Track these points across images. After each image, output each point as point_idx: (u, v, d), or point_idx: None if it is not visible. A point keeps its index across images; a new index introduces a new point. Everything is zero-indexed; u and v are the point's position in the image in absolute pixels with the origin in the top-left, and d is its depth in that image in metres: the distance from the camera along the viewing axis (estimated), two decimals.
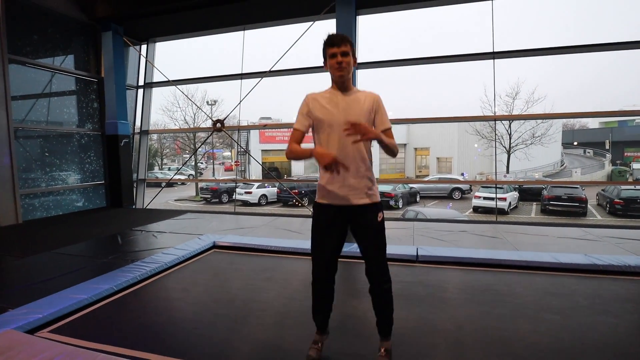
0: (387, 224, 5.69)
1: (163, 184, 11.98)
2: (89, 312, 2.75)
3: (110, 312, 2.78)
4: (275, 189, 17.55)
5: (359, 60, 6.85)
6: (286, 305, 2.89)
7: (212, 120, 7.97)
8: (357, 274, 3.67)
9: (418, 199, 17.97)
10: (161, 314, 2.76)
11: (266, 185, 17.71)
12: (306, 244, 4.29)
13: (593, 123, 41.22)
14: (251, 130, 25.99)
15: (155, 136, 25.84)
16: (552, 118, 20.03)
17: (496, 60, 6.95)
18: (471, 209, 15.80)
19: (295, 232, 5.16)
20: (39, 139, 7.22)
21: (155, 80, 8.87)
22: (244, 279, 3.47)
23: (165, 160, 30.53)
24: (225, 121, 8.14)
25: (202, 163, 32.12)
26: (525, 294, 2.99)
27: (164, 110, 21.96)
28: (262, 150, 26.78)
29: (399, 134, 29.09)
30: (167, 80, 8.41)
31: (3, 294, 3.01)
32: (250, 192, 17.10)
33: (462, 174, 24.10)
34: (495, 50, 6.81)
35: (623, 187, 14.41)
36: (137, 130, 8.91)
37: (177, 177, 20.54)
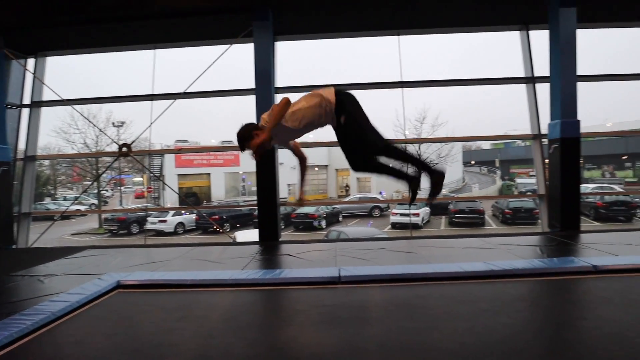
0: (311, 246, 5.61)
1: (56, 217, 10.39)
2: None
3: None
4: (193, 216, 16.51)
5: (277, 85, 7.02)
6: (203, 345, 2.63)
7: (118, 144, 7.23)
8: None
9: (340, 218, 18.53)
10: None
11: (183, 212, 16.56)
12: (226, 274, 4.05)
13: (485, 145, 47.94)
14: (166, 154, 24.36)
15: (47, 161, 22.57)
16: (453, 141, 22.72)
17: (404, 89, 7.67)
18: (390, 225, 16.80)
19: (214, 263, 4.83)
20: None
21: (45, 98, 7.78)
22: (154, 321, 3.09)
23: (60, 189, 26.65)
24: (134, 144, 7.46)
25: (107, 190, 28.86)
26: (438, 305, 3.19)
27: (58, 133, 19.20)
28: (178, 175, 25.19)
29: (321, 156, 30.05)
30: (60, 99, 7.44)
31: None
32: (165, 221, 15.79)
33: (380, 193, 25.62)
34: (403, 80, 7.51)
35: (511, 199, 16.79)
36: (20, 155, 7.63)
37: (74, 207, 18.05)
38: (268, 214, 6.53)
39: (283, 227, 16.77)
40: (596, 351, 2.36)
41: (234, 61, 8.43)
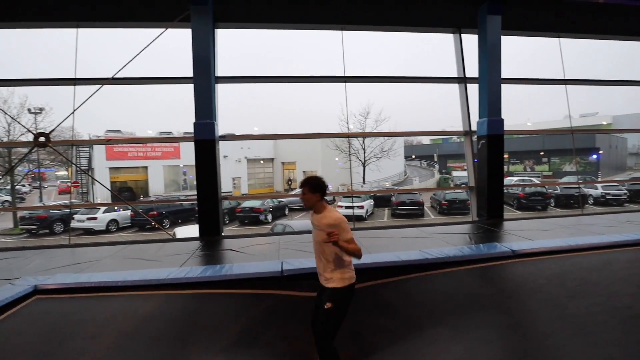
0: (255, 240, 5.42)
1: None
2: None
3: None
4: (129, 212, 15.36)
5: (220, 74, 6.74)
6: (124, 348, 2.46)
7: (33, 133, 6.43)
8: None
9: (287, 211, 18.47)
10: None
11: (117, 208, 15.33)
12: (162, 272, 3.81)
13: (425, 140, 50.91)
14: (96, 145, 22.33)
15: None
16: (395, 135, 23.66)
17: (348, 84, 7.80)
18: None
19: (149, 261, 4.54)
20: None
21: None
22: (76, 328, 2.82)
23: None
24: (54, 134, 6.70)
25: (23, 186, 25.71)
26: (375, 295, 3.31)
27: None
28: (110, 168, 23.23)
29: (267, 149, 29.68)
30: None
31: None
32: (94, 218, 14.49)
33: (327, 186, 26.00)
34: (346, 75, 7.62)
35: (447, 191, 17.99)
36: None
37: None
38: (209, 208, 6.28)
39: (227, 221, 16.28)
40: (510, 327, 2.63)
41: (179, 44, 7.88)
